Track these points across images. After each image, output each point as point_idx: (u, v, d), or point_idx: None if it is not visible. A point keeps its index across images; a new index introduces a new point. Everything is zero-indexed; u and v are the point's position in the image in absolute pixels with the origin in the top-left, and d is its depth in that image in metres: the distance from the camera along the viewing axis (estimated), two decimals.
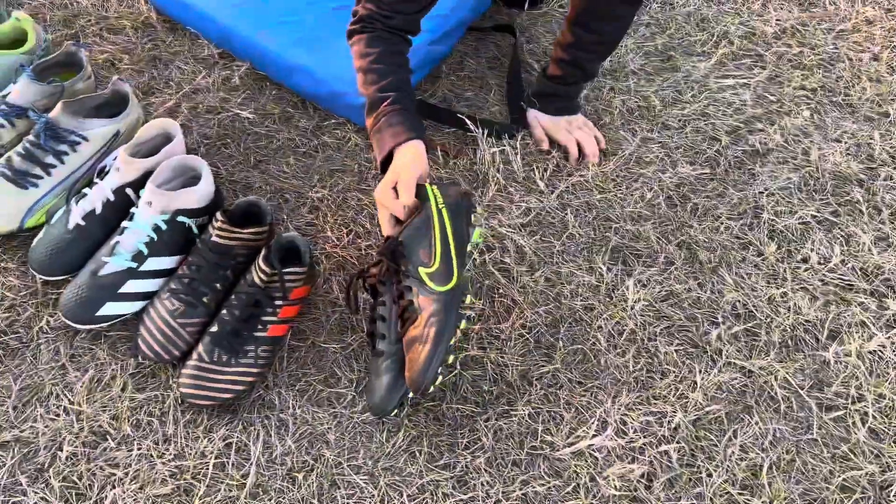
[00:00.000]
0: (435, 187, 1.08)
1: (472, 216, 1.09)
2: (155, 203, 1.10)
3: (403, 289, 1.03)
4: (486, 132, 1.34)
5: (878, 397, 1.14)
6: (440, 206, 1.06)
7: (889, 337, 1.20)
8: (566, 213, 1.30)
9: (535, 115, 1.39)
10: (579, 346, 1.16)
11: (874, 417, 1.12)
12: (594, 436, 1.08)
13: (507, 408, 1.10)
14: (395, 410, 1.06)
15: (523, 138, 1.38)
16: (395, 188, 1.07)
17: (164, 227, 1.10)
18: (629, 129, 1.41)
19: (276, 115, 1.37)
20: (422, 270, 1.02)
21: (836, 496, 1.05)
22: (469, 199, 1.09)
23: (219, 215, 1.11)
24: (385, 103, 1.12)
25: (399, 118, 1.12)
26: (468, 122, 1.34)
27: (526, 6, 1.55)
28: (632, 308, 1.20)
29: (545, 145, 1.37)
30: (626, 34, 1.39)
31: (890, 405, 1.14)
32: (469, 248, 1.08)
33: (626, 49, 1.53)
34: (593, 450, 1.07)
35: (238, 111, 1.36)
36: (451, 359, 1.02)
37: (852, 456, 1.09)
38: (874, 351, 1.19)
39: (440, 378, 1.02)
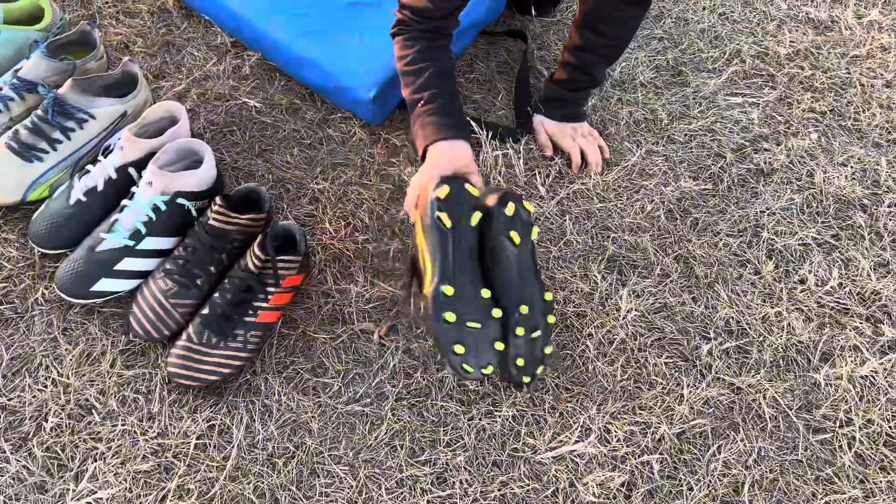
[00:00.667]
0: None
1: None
2: (156, 183, 1.11)
3: None
4: (490, 135, 1.35)
5: (867, 422, 1.13)
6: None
7: (882, 363, 1.19)
8: (565, 220, 1.30)
9: (540, 121, 1.39)
10: (568, 353, 1.16)
11: (861, 442, 1.11)
12: (576, 442, 1.08)
13: (491, 408, 1.10)
14: None
15: (527, 143, 1.38)
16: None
17: (163, 207, 1.11)
18: (634, 140, 1.41)
19: (284, 105, 1.38)
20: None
21: None
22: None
23: (218, 199, 1.12)
24: (419, 105, 1.16)
25: (431, 118, 1.15)
26: (473, 123, 1.34)
27: (534, 13, 1.56)
28: (624, 318, 1.20)
29: (549, 151, 1.37)
30: (633, 38, 1.39)
31: (878, 431, 1.13)
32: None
33: (636, 61, 1.53)
34: (575, 455, 1.07)
35: (246, 100, 1.37)
36: None
37: (837, 480, 1.08)
38: (866, 376, 1.18)
39: None
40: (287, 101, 1.38)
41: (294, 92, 1.40)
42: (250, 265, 1.09)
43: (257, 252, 1.08)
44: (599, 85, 1.40)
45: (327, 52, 1.33)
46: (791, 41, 1.61)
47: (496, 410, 1.10)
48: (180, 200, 1.12)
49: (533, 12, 1.56)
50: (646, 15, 1.33)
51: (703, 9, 1.65)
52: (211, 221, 1.11)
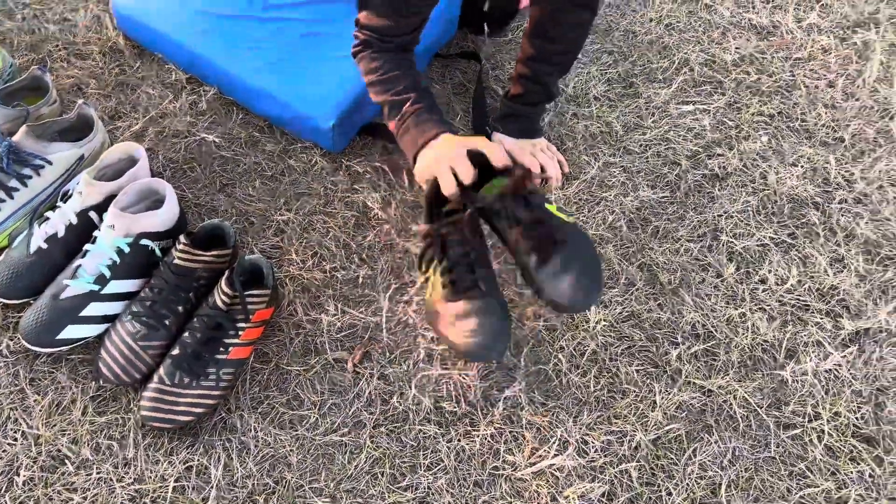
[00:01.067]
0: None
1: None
2: (118, 226, 1.10)
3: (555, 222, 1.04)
4: None
5: (834, 415, 1.17)
6: None
7: (844, 356, 1.22)
8: None
9: (499, 139, 1.41)
10: (541, 367, 1.17)
11: (830, 435, 1.14)
12: (555, 455, 1.09)
13: (469, 428, 1.11)
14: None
15: None
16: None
17: (126, 249, 1.11)
18: (591, 153, 1.44)
19: (243, 139, 1.38)
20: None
21: None
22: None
23: (182, 238, 1.11)
24: (408, 104, 1.15)
25: (427, 115, 1.14)
26: None
27: (487, 33, 1.58)
28: (594, 329, 1.22)
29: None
30: (583, 50, 1.41)
31: (845, 423, 1.16)
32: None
33: (588, 76, 1.56)
34: (554, 469, 1.08)
35: (205, 135, 1.37)
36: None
37: (809, 473, 1.11)
38: (830, 370, 1.21)
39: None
40: (246, 134, 1.39)
41: (253, 124, 1.40)
42: (219, 302, 1.08)
43: (225, 288, 1.08)
44: (554, 98, 1.42)
45: (284, 84, 1.33)
46: (736, 48, 1.66)
47: (474, 430, 1.10)
48: (144, 241, 1.12)
49: (486, 32, 1.58)
50: (594, 22, 1.36)
51: (650, 20, 1.69)
52: (176, 261, 1.10)
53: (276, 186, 1.33)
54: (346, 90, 1.33)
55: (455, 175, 1.06)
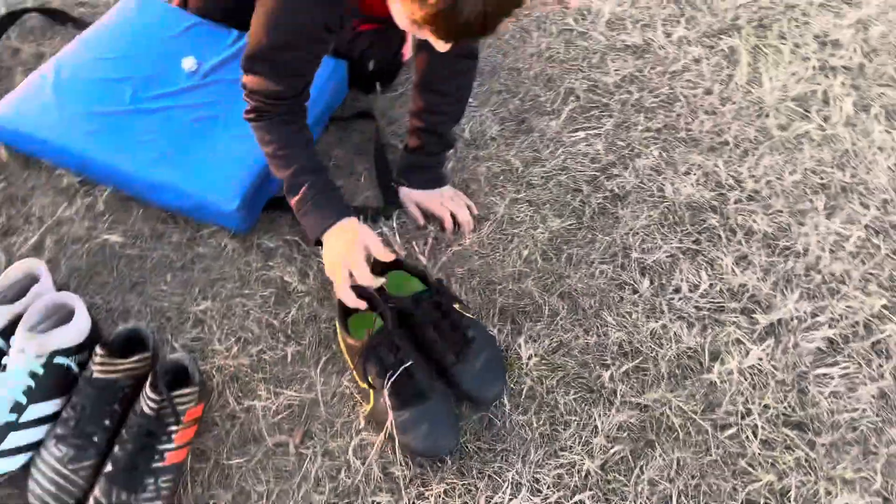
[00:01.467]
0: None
1: None
2: (28, 349, 1.06)
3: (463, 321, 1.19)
4: (362, 218, 1.37)
5: (764, 408, 1.22)
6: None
7: (763, 349, 1.28)
8: (451, 283, 1.33)
9: (406, 193, 1.43)
10: (483, 413, 1.19)
11: (763, 428, 1.20)
12: (510, 500, 1.10)
13: (422, 489, 1.10)
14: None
15: (399, 217, 1.42)
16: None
17: (41, 371, 1.06)
18: (497, 192, 1.48)
19: (147, 234, 1.35)
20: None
21: None
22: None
23: (98, 349, 1.08)
24: (305, 187, 1.20)
25: (323, 199, 1.21)
26: None
27: (379, 89, 1.61)
28: (527, 365, 1.24)
29: (421, 221, 1.41)
30: (472, 94, 1.45)
31: (775, 414, 1.21)
32: None
33: (482, 117, 1.60)
34: None
35: (107, 236, 1.34)
36: None
37: (751, 469, 1.16)
38: (753, 365, 1.27)
39: None
40: (149, 228, 1.36)
41: (155, 217, 1.37)
42: (146, 409, 1.05)
43: (151, 394, 1.05)
44: (452, 146, 1.45)
45: (182, 173, 1.32)
46: (615, 69, 1.74)
47: (427, 490, 1.10)
48: (58, 360, 1.08)
49: (378, 89, 1.61)
50: (477, 67, 1.41)
51: (531, 55, 1.75)
52: (96, 374, 1.07)
53: (188, 277, 1.31)
54: (245, 169, 1.32)
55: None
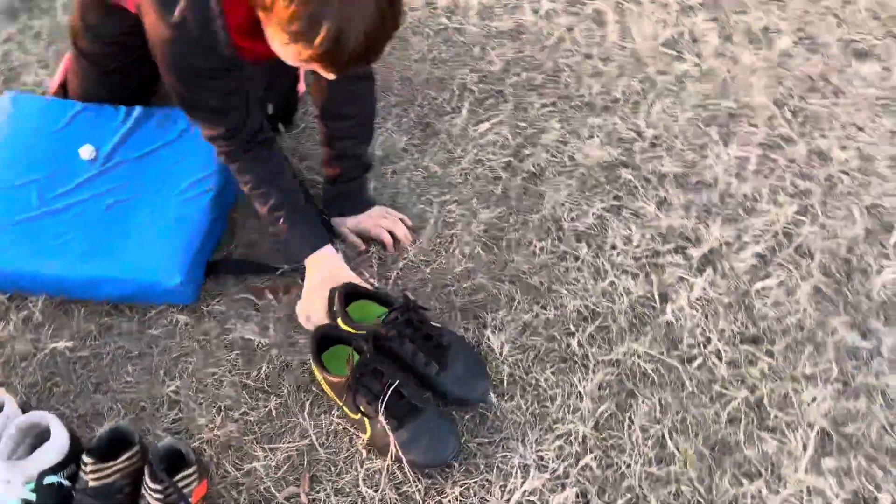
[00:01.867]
0: None
1: None
2: (13, 478, 1.03)
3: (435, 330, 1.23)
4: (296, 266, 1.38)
5: (721, 333, 1.32)
6: None
7: (704, 278, 1.38)
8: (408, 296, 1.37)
9: (339, 222, 1.45)
10: (472, 412, 1.23)
11: (725, 351, 1.29)
12: (523, 482, 1.15)
13: (439, 498, 1.14)
14: None
15: (339, 246, 1.43)
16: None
17: (33, 497, 1.04)
18: (425, 200, 1.52)
19: (94, 331, 1.32)
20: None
21: (728, 430, 1.20)
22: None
23: (85, 457, 1.06)
24: (280, 222, 1.30)
25: (298, 231, 1.31)
26: (278, 265, 1.38)
27: (283, 130, 1.62)
28: (501, 353, 1.29)
29: (361, 246, 1.43)
30: (376, 112, 1.48)
31: (731, 335, 1.31)
32: None
33: (389, 132, 1.64)
34: (528, 496, 1.14)
35: (53, 345, 1.30)
36: None
37: (724, 391, 1.25)
38: (700, 297, 1.36)
39: None
40: (95, 325, 1.33)
41: (97, 313, 1.34)
42: (152, 501, 1.04)
43: (152, 485, 1.04)
44: (370, 167, 1.48)
45: (114, 261, 1.30)
46: (498, 56, 1.81)
47: (444, 497, 1.14)
48: (48, 480, 1.05)
49: (281, 130, 1.61)
50: (375, 87, 1.44)
51: (416, 61, 1.80)
52: (90, 483, 1.05)
53: (149, 362, 1.29)
54: (177, 241, 1.32)
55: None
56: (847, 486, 1.15)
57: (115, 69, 1.47)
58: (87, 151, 1.43)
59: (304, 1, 0.92)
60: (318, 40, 0.94)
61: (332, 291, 1.26)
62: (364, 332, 1.20)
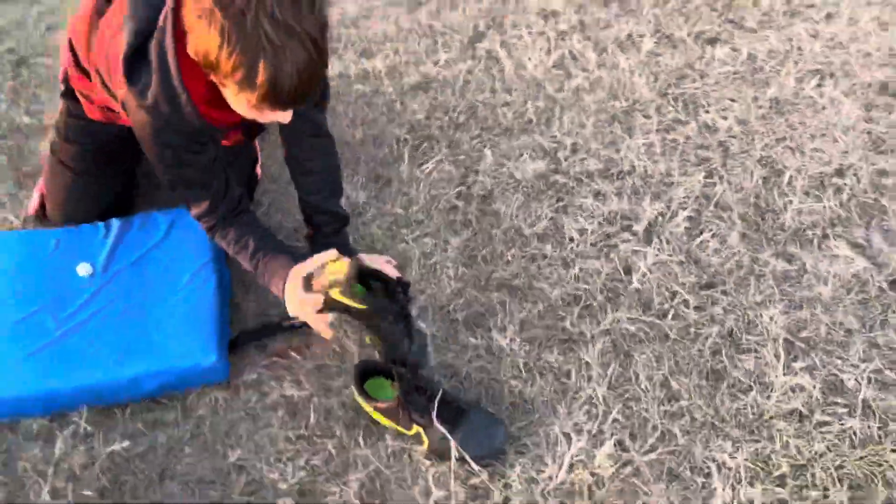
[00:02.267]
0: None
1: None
2: None
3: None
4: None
5: (682, 286, 1.56)
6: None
7: (653, 248, 1.63)
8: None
9: None
10: (505, 404, 1.40)
11: (690, 300, 1.54)
12: (568, 447, 1.33)
13: (503, 480, 1.30)
14: None
15: None
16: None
17: None
18: (400, 240, 1.69)
19: (142, 427, 1.38)
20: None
21: (714, 360, 1.45)
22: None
23: None
24: (261, 260, 1.40)
25: (273, 264, 1.39)
26: (291, 321, 1.50)
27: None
28: (511, 347, 1.48)
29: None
30: (339, 166, 1.63)
31: (690, 286, 1.56)
32: None
33: (347, 191, 1.77)
34: (577, 457, 1.32)
35: (109, 449, 1.35)
36: None
37: (699, 331, 1.49)
38: (654, 262, 1.61)
39: None
40: (141, 421, 1.39)
41: (140, 410, 1.40)
42: None
43: None
44: (346, 220, 1.61)
45: (148, 356, 1.38)
46: (417, 107, 2.02)
47: (507, 478, 1.30)
48: None
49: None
50: (333, 143, 1.58)
51: (348, 126, 1.98)
52: None
53: (204, 440, 1.37)
54: (200, 324, 1.42)
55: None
56: (818, 377, 1.41)
57: (97, 174, 1.58)
58: (84, 269, 1.51)
59: (242, 51, 1.06)
60: (258, 81, 1.08)
61: (309, 275, 1.37)
62: (365, 306, 1.38)
